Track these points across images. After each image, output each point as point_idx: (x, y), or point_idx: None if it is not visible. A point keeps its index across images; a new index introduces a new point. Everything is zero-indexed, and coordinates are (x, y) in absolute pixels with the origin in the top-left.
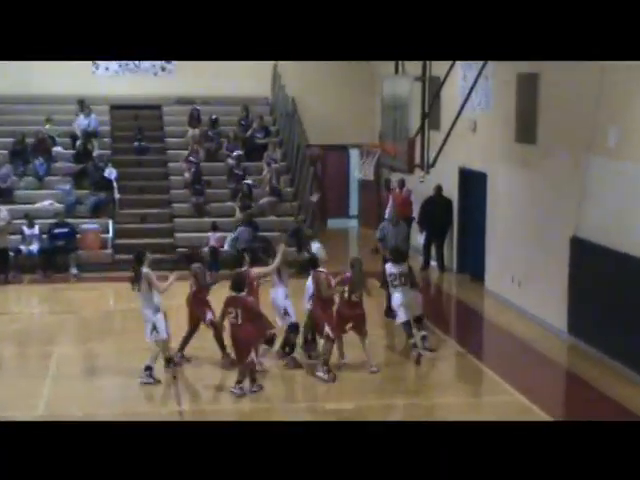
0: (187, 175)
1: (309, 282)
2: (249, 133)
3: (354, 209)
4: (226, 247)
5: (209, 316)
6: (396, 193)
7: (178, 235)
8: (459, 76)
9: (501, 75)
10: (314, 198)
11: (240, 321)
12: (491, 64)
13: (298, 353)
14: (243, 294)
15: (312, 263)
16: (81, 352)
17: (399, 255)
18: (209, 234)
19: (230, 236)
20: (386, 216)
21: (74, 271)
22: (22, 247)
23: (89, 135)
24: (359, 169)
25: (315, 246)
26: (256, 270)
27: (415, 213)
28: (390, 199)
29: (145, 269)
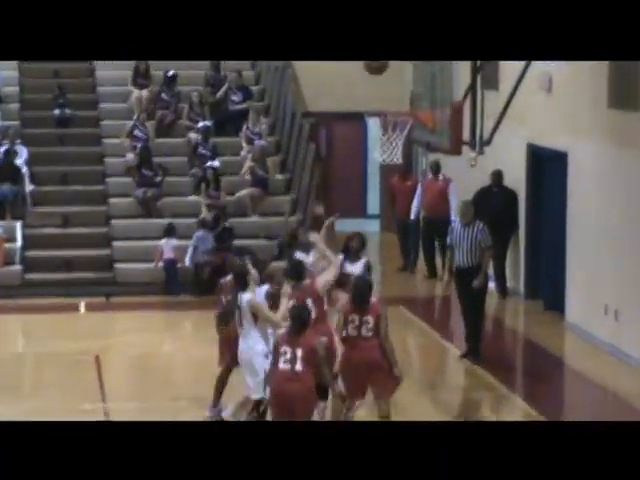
0: (131, 157)
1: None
2: (220, 95)
3: (374, 206)
4: (187, 262)
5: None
6: (429, 181)
7: (117, 244)
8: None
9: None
10: (318, 210)
11: (300, 367)
12: None
13: None
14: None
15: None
16: None
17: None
18: (162, 242)
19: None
20: (412, 215)
21: None
22: None
23: None
24: (381, 149)
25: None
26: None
27: (453, 212)
28: (419, 189)
29: (249, 295)
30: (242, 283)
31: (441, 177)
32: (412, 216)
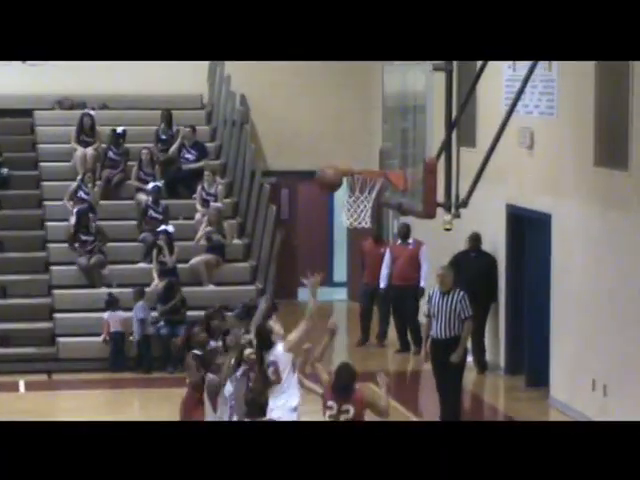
0: (74, 220)
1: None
2: (172, 150)
3: (341, 274)
4: (136, 336)
5: None
6: (398, 247)
7: (59, 316)
8: (505, 63)
9: (571, 63)
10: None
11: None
12: None
13: None
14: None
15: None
16: None
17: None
18: (105, 315)
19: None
20: (381, 283)
21: None
22: None
23: None
24: (348, 211)
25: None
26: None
27: (424, 280)
28: (387, 255)
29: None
30: (266, 342)
31: (411, 241)
32: (381, 284)
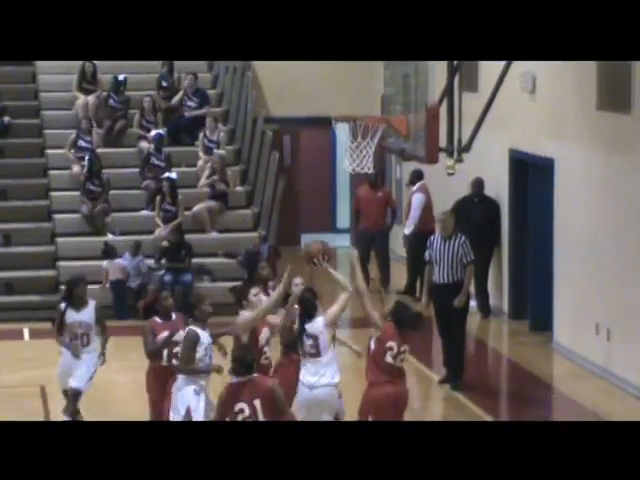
0: (77, 169)
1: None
2: (175, 101)
3: (344, 220)
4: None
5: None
6: (410, 193)
7: (63, 264)
8: None
9: None
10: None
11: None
12: None
13: None
14: (256, 375)
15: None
16: None
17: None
18: (104, 263)
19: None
20: (405, 230)
21: None
22: None
23: None
24: (350, 157)
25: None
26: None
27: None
28: (416, 198)
29: (315, 328)
30: (310, 309)
31: (415, 187)
32: (407, 230)
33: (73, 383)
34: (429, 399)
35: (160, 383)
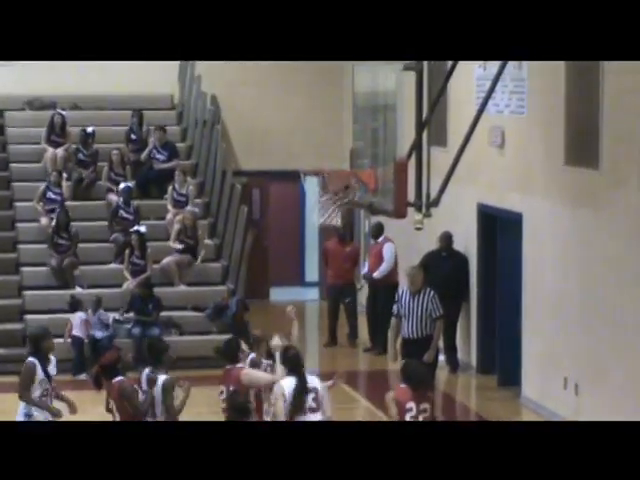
0: (45, 221)
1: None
2: (144, 155)
3: (312, 273)
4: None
5: None
6: (371, 246)
7: (30, 317)
8: (475, 63)
9: (541, 62)
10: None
11: None
12: None
13: None
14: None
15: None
16: None
17: (418, 378)
18: (75, 316)
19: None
20: (375, 274)
21: None
22: None
23: None
24: (319, 211)
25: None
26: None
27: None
28: (368, 255)
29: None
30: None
31: (381, 239)
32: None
33: None
34: None
35: None
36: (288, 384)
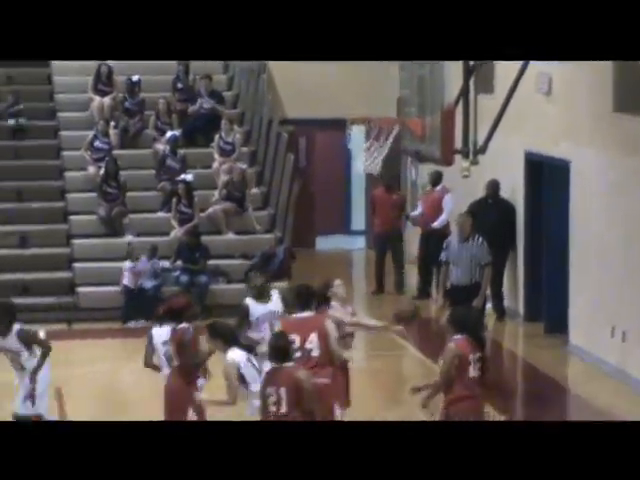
0: (93, 170)
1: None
2: (195, 107)
3: (359, 222)
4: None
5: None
6: (426, 193)
7: (78, 266)
8: None
9: None
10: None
11: (285, 409)
12: None
13: None
14: (290, 364)
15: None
16: None
17: (472, 325)
18: (125, 265)
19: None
20: (435, 224)
21: None
22: None
23: None
24: (366, 158)
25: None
26: (337, 314)
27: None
28: (420, 203)
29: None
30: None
31: (439, 188)
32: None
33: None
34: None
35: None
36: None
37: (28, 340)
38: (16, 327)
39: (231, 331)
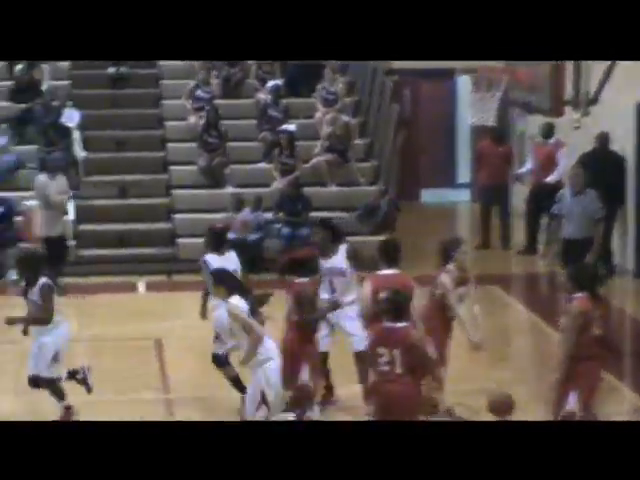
0: (193, 120)
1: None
2: None
3: (464, 174)
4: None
5: (304, 376)
6: (537, 145)
7: (179, 217)
8: None
9: None
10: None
11: (400, 370)
12: None
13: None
14: (404, 324)
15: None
16: (25, 409)
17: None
18: (240, 214)
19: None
20: (549, 179)
21: (14, 276)
22: None
23: None
24: (476, 110)
25: None
26: (445, 278)
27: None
28: (530, 156)
29: None
30: None
31: (552, 141)
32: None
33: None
34: (554, 359)
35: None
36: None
37: (45, 297)
38: (42, 280)
39: (235, 279)
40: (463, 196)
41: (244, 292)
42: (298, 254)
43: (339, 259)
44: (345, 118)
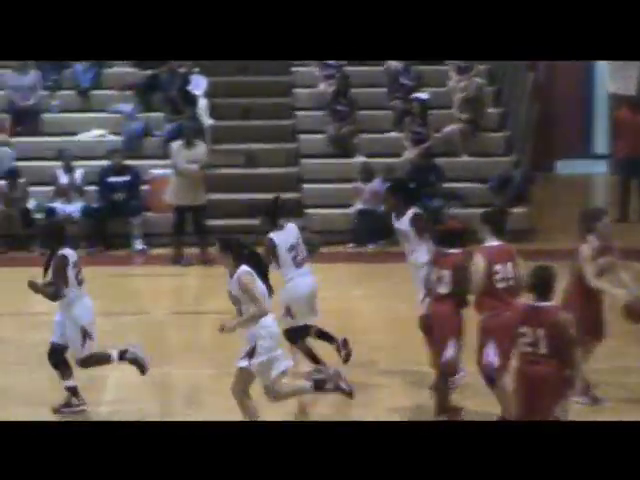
0: (323, 87)
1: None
2: None
3: (602, 144)
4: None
5: (450, 352)
6: None
7: (307, 187)
8: None
9: None
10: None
11: (545, 350)
12: None
13: None
14: (551, 304)
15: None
16: (152, 380)
17: None
18: (361, 186)
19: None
20: None
21: (139, 246)
22: (57, 205)
23: None
24: (612, 76)
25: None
26: (585, 249)
27: None
28: None
29: None
30: None
31: None
32: None
33: None
34: None
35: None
36: None
37: (58, 268)
38: (60, 252)
39: (242, 245)
40: (600, 167)
41: (256, 262)
42: (453, 225)
43: (404, 221)
44: (479, 80)
